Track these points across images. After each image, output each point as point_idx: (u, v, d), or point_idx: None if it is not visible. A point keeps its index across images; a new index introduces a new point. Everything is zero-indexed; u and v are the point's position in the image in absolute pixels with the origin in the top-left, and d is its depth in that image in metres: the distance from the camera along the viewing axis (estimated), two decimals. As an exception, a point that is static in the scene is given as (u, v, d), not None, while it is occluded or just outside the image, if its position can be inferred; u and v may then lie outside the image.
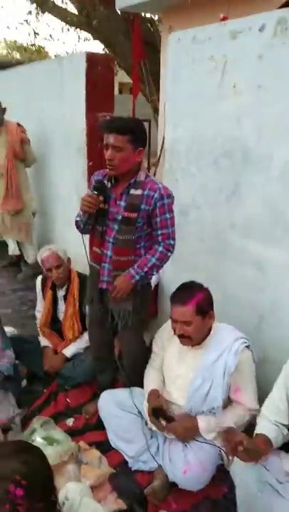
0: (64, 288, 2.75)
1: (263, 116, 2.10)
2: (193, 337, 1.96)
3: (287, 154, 2.03)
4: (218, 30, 2.24)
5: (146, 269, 2.06)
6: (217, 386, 1.94)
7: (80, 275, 2.79)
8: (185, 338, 1.97)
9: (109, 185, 2.07)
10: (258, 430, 1.74)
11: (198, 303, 1.93)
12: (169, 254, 2.11)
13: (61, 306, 2.78)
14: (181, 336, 1.97)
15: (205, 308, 1.95)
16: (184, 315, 1.93)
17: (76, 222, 2.17)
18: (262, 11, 2.05)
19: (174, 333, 2.00)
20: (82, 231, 2.19)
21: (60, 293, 2.77)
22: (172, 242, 2.09)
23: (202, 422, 1.96)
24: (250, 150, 2.20)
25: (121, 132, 1.91)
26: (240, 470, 1.72)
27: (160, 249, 2.08)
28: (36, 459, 1.13)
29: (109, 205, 2.07)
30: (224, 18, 2.42)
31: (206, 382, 1.96)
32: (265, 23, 1.99)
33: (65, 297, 2.75)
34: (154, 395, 2.09)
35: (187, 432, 1.97)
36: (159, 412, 2.01)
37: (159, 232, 2.07)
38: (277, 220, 2.14)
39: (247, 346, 1.98)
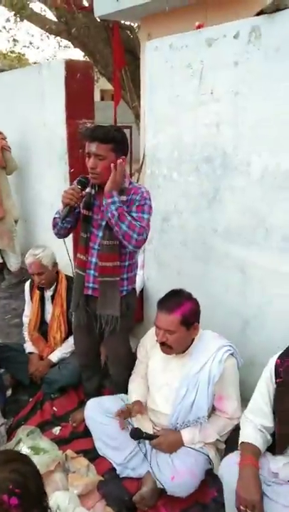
0: (52, 288, 2.76)
1: (241, 122, 2.14)
2: (174, 347, 1.97)
3: (265, 159, 2.06)
4: (195, 38, 2.28)
5: None
6: (202, 395, 1.95)
7: (67, 277, 2.79)
8: (165, 347, 1.97)
9: (92, 192, 2.08)
10: (244, 438, 1.73)
11: (184, 313, 1.92)
12: (137, 236, 1.94)
13: (48, 307, 2.78)
14: (162, 344, 1.97)
15: (191, 319, 1.95)
16: (168, 323, 1.92)
17: (54, 219, 2.15)
18: (237, 18, 2.09)
19: (156, 340, 2.00)
20: (59, 231, 2.16)
21: (48, 293, 2.78)
22: (144, 237, 1.98)
23: (186, 435, 1.99)
24: (229, 155, 2.23)
25: (104, 141, 1.91)
26: (227, 472, 1.72)
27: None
28: (26, 466, 1.13)
29: (93, 212, 2.08)
30: (200, 26, 2.45)
31: (191, 391, 1.97)
32: (239, 31, 2.03)
33: (52, 297, 2.75)
34: (138, 404, 2.12)
35: (171, 446, 2.00)
36: (140, 433, 2.02)
37: None
38: (258, 224, 2.17)
39: (231, 354, 1.99)
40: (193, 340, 2.04)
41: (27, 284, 2.92)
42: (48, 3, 5.76)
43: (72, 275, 2.29)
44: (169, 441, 2.00)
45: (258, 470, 1.61)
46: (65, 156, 3.59)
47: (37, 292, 2.79)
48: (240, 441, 1.73)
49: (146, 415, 2.17)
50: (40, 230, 4.49)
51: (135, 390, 2.21)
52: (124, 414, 2.12)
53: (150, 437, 2.03)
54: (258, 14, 1.94)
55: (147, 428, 2.11)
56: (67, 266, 3.84)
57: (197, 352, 2.02)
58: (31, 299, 2.87)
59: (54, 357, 2.76)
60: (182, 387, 1.99)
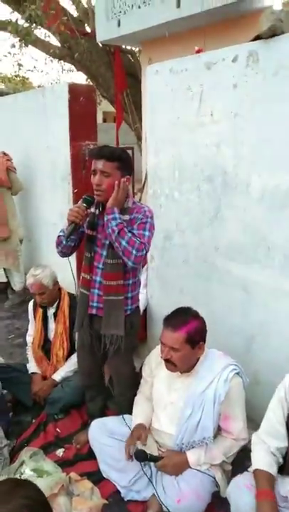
0: (54, 306, 2.77)
1: (240, 142, 2.18)
2: (178, 365, 1.95)
3: (265, 179, 2.09)
4: (194, 62, 2.34)
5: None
6: (208, 415, 1.93)
7: (70, 294, 2.80)
8: (170, 364, 1.96)
9: (97, 212, 2.10)
10: (258, 464, 1.67)
11: (189, 332, 1.91)
12: (136, 252, 1.94)
13: (51, 325, 2.78)
14: (166, 361, 1.97)
15: (196, 338, 1.94)
16: (173, 341, 1.91)
17: (58, 238, 2.17)
18: (235, 43, 2.16)
19: (161, 356, 2.00)
20: (62, 250, 2.18)
21: (50, 311, 2.78)
22: (143, 254, 1.97)
23: (192, 456, 1.96)
24: (229, 175, 2.27)
25: (110, 159, 1.96)
26: (234, 494, 1.69)
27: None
28: (34, 491, 1.12)
29: (97, 231, 2.10)
30: (199, 51, 2.53)
31: (197, 411, 1.95)
32: (237, 55, 2.10)
33: (55, 315, 2.75)
34: (138, 430, 2.09)
35: (177, 468, 1.96)
36: (144, 455, 1.99)
37: None
38: (259, 242, 2.19)
39: (237, 373, 1.97)
40: (198, 359, 2.02)
41: (30, 304, 2.92)
42: (52, 29, 5.93)
43: (75, 294, 2.30)
44: (174, 463, 1.96)
45: (276, 504, 1.57)
46: (68, 177, 3.65)
47: (40, 310, 2.80)
48: (253, 468, 1.69)
49: (150, 436, 2.14)
50: (43, 250, 4.53)
51: (139, 413, 2.18)
52: (131, 442, 2.08)
53: (155, 459, 1.99)
54: (255, 39, 2.01)
55: (152, 449, 2.08)
56: (70, 284, 3.87)
57: (203, 371, 2.00)
58: (34, 317, 2.88)
59: (57, 376, 2.74)
60: (187, 407, 1.96)
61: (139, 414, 2.17)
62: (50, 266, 2.82)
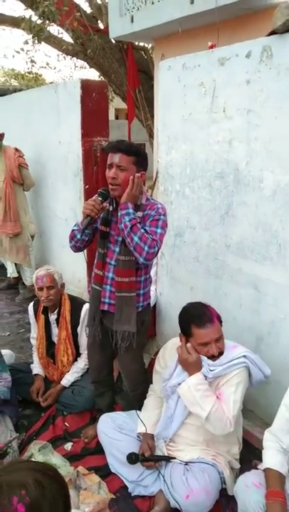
0: (55, 311, 2.74)
1: (253, 139, 2.16)
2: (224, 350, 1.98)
3: (278, 175, 2.07)
4: (207, 58, 2.33)
5: None
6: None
7: (71, 298, 2.79)
8: (218, 355, 1.96)
9: (111, 208, 2.11)
10: (269, 463, 1.66)
11: (218, 316, 1.99)
12: (148, 249, 1.94)
13: (54, 329, 2.78)
14: (219, 354, 1.96)
15: (220, 320, 2.00)
16: (217, 331, 1.95)
17: (72, 232, 2.17)
18: (249, 39, 2.14)
19: (208, 357, 1.95)
20: (76, 244, 2.18)
21: (52, 317, 2.76)
22: (155, 251, 1.97)
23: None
24: (241, 172, 2.25)
25: (127, 153, 1.96)
26: (242, 492, 1.69)
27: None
28: (52, 485, 1.04)
29: (111, 227, 2.11)
30: (212, 46, 2.51)
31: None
32: (251, 50, 2.07)
33: (57, 320, 2.74)
34: (145, 443, 2.11)
35: (194, 364, 1.94)
36: (135, 457, 2.04)
37: None
38: (270, 239, 2.17)
39: (245, 366, 1.97)
40: None
41: (30, 307, 2.89)
42: (66, 26, 5.94)
43: (87, 290, 2.30)
44: (184, 358, 1.96)
45: (286, 505, 1.55)
46: (80, 173, 3.66)
47: (42, 317, 2.77)
48: (264, 466, 1.68)
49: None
50: (54, 246, 4.55)
51: (146, 420, 2.18)
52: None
53: (158, 459, 2.03)
54: (270, 34, 1.98)
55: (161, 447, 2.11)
56: (80, 282, 3.89)
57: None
58: (36, 322, 2.85)
59: (66, 381, 2.74)
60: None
61: (145, 421, 2.18)
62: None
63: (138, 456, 2.05)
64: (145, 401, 2.29)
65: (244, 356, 1.97)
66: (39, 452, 2.22)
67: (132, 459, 2.05)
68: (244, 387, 1.97)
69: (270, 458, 1.67)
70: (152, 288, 2.93)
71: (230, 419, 1.89)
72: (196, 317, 1.96)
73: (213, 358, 1.95)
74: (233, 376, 1.95)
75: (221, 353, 1.96)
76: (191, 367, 1.95)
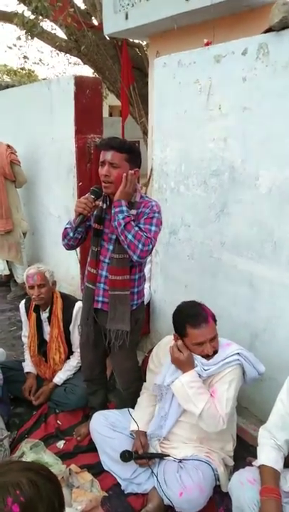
0: (47, 310, 2.72)
1: (249, 136, 2.16)
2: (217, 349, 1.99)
3: (273, 173, 2.07)
4: (203, 55, 2.32)
5: None
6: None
7: (63, 296, 2.76)
8: (212, 354, 1.96)
9: (104, 206, 2.09)
10: (262, 460, 1.66)
11: (213, 316, 1.98)
12: (142, 247, 1.92)
13: (46, 327, 2.75)
14: (214, 353, 1.96)
15: (215, 320, 2.00)
16: (212, 331, 1.95)
17: (64, 229, 2.15)
18: (245, 36, 2.13)
19: (203, 355, 1.94)
20: (69, 242, 2.16)
21: (44, 315, 2.74)
22: (149, 248, 1.95)
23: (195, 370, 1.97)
24: (237, 169, 2.25)
25: (120, 150, 1.94)
26: (236, 489, 1.68)
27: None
28: (46, 484, 1.04)
29: (104, 225, 2.09)
30: (208, 43, 2.50)
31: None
32: (247, 48, 2.07)
33: (49, 319, 2.72)
34: (138, 440, 2.11)
35: (186, 361, 1.95)
36: (128, 454, 2.05)
37: None
38: (266, 237, 2.17)
39: (239, 364, 1.97)
40: None
41: (22, 305, 2.86)
42: (59, 22, 5.90)
43: (80, 288, 2.28)
44: (176, 357, 1.97)
45: (280, 501, 1.55)
46: (73, 170, 3.64)
47: (33, 315, 2.75)
48: (259, 463, 1.68)
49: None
50: (47, 243, 4.52)
51: (139, 419, 2.17)
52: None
53: (150, 456, 2.03)
54: (266, 32, 1.98)
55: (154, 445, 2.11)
56: (72, 280, 3.87)
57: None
58: (28, 320, 2.83)
59: (58, 379, 2.73)
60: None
61: (138, 420, 2.17)
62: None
63: (132, 453, 2.05)
64: (139, 399, 2.28)
65: (238, 354, 1.97)
66: (31, 450, 2.20)
67: (126, 456, 2.04)
68: (238, 385, 1.97)
69: (265, 454, 1.67)
70: (146, 285, 2.92)
71: (223, 416, 1.89)
72: (191, 317, 1.95)
73: (207, 357, 1.95)
74: (226, 374, 1.95)
75: (215, 352, 1.96)
76: (183, 365, 1.95)
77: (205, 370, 1.94)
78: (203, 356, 1.95)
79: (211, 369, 1.94)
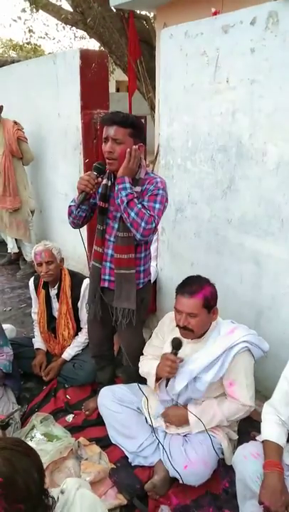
0: (56, 286, 2.74)
1: (257, 110, 2.10)
2: (196, 330, 1.96)
3: (281, 148, 2.03)
4: (210, 25, 2.24)
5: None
6: (208, 375, 1.97)
7: (71, 273, 2.78)
8: (187, 331, 1.97)
9: (109, 183, 2.05)
10: (267, 435, 1.69)
11: (206, 296, 1.94)
12: (145, 225, 1.90)
13: (55, 304, 2.79)
14: (184, 328, 1.97)
15: (211, 302, 1.96)
16: (191, 307, 1.92)
17: (69, 207, 2.13)
18: (254, 4, 2.05)
19: (177, 325, 1.99)
20: (74, 220, 2.15)
21: (53, 292, 2.76)
22: (152, 227, 1.92)
23: (192, 409, 2.03)
24: (244, 145, 2.20)
25: (123, 125, 1.89)
26: (240, 463, 1.71)
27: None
28: (23, 458, 1.08)
29: (109, 203, 2.06)
30: (215, 13, 2.41)
31: (201, 375, 1.98)
32: (256, 17, 1.99)
33: (57, 295, 2.74)
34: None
35: (179, 418, 2.06)
36: (179, 342, 2.00)
37: None
38: (273, 214, 2.14)
39: (248, 350, 1.98)
40: (210, 324, 2.04)
41: (31, 282, 2.89)
42: (64, -7, 5.76)
43: (88, 267, 2.28)
44: (173, 415, 2.07)
45: (283, 475, 1.58)
46: (79, 146, 3.60)
47: (42, 291, 2.78)
48: (262, 438, 1.70)
49: (155, 395, 2.18)
50: (55, 221, 4.53)
51: (152, 365, 2.16)
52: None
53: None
54: (275, -1, 1.90)
55: (155, 407, 2.16)
56: (80, 258, 3.88)
57: (213, 342, 2.00)
58: (37, 296, 2.86)
59: (67, 355, 2.77)
60: (193, 372, 1.99)
61: (151, 367, 2.15)
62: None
63: (180, 342, 2.00)
64: (141, 362, 2.26)
65: (244, 341, 1.97)
66: (41, 424, 2.26)
67: (176, 343, 2.00)
68: (252, 368, 2.00)
69: (269, 430, 1.69)
70: (153, 264, 2.92)
71: (248, 402, 1.97)
72: (182, 284, 1.99)
73: (183, 330, 1.97)
74: (238, 362, 1.95)
75: (189, 330, 1.95)
76: (179, 422, 2.06)
77: (197, 381, 1.99)
78: (179, 328, 1.98)
79: (204, 378, 1.97)
